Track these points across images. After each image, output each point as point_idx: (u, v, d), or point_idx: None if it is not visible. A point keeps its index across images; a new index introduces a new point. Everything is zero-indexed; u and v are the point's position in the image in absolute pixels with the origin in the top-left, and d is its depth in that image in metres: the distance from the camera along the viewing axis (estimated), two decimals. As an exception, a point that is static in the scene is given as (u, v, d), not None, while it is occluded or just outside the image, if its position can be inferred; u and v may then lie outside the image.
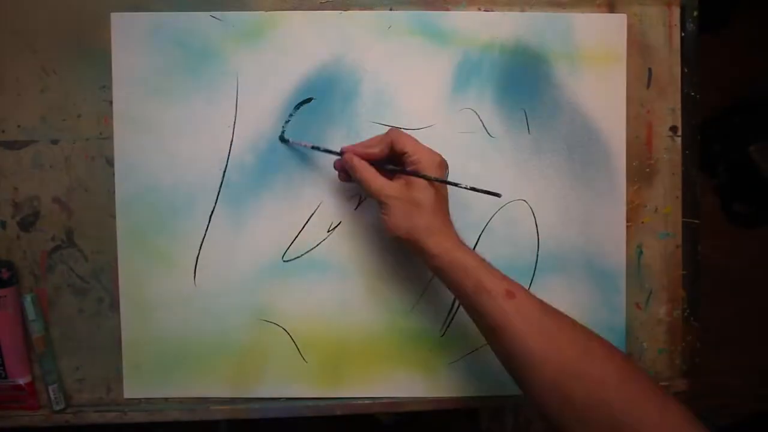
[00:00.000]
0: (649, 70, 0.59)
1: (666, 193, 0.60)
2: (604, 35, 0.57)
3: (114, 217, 0.57)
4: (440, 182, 0.49)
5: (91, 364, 0.58)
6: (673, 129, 0.60)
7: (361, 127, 0.56)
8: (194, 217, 0.56)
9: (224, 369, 0.57)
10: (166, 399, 0.58)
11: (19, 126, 0.56)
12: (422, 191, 0.48)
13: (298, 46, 0.56)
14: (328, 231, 0.57)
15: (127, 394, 0.57)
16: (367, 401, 0.58)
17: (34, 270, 0.57)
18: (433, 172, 0.49)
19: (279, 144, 0.56)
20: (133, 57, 0.55)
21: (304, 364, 0.57)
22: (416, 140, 0.50)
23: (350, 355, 0.57)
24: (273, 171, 0.56)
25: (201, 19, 0.55)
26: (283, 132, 0.56)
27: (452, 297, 0.55)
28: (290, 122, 0.56)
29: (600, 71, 0.58)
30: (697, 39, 0.59)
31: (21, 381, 0.56)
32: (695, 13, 0.59)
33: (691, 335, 0.60)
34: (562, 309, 0.46)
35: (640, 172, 0.59)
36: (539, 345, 0.43)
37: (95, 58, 0.56)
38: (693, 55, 0.59)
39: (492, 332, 0.46)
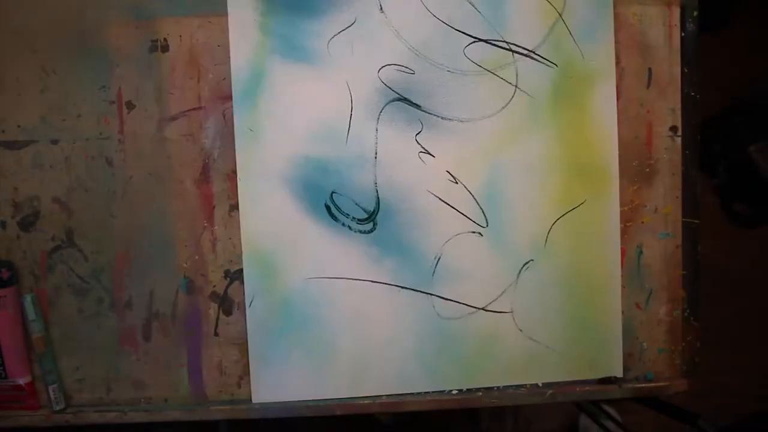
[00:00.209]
0: (649, 70, 0.59)
1: (666, 193, 0.60)
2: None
3: (114, 216, 0.57)
4: None
5: (91, 364, 0.58)
6: (673, 129, 0.60)
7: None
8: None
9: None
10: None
11: (19, 126, 0.56)
12: None
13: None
14: None
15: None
16: (367, 401, 0.58)
17: (34, 270, 0.57)
18: None
19: None
20: None
21: None
22: None
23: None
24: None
25: None
26: None
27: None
28: None
29: None
30: (697, 39, 0.59)
31: (21, 381, 0.57)
32: (695, 13, 0.59)
33: (691, 335, 0.60)
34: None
35: (640, 172, 0.59)
36: None
37: (95, 58, 0.56)
38: (693, 55, 0.59)
39: None
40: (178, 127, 0.57)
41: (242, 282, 0.57)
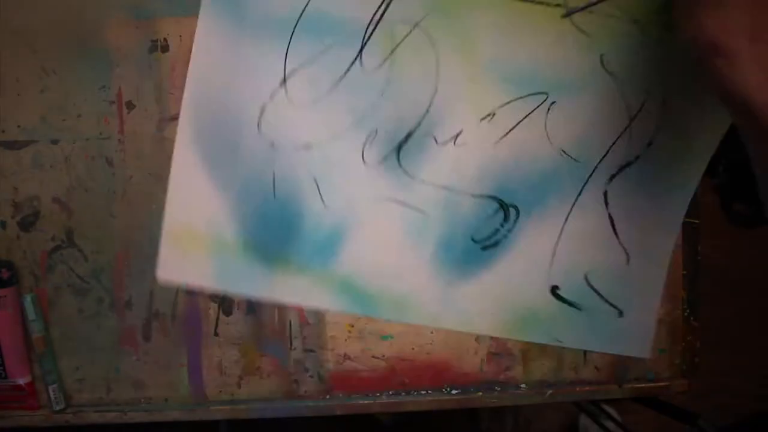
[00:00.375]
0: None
1: (666, 193, 0.60)
2: None
3: (114, 216, 0.57)
4: None
5: (91, 364, 0.58)
6: (673, 129, 0.60)
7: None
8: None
9: None
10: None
11: (19, 126, 0.56)
12: None
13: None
14: None
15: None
16: (367, 401, 0.58)
17: (34, 270, 0.57)
18: None
19: None
20: None
21: None
22: None
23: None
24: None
25: None
26: None
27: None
28: None
29: None
30: (697, 39, 0.58)
31: (21, 381, 0.57)
32: (695, 13, 0.59)
33: (691, 335, 0.60)
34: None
35: (640, 172, 0.59)
36: None
37: (95, 58, 0.56)
38: (693, 55, 0.58)
39: None
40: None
41: (242, 282, 0.57)
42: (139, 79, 0.56)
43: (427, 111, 0.54)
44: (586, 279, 0.56)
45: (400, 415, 1.10)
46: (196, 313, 0.58)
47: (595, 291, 0.56)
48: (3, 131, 0.56)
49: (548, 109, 0.53)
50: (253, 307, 0.59)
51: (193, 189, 0.53)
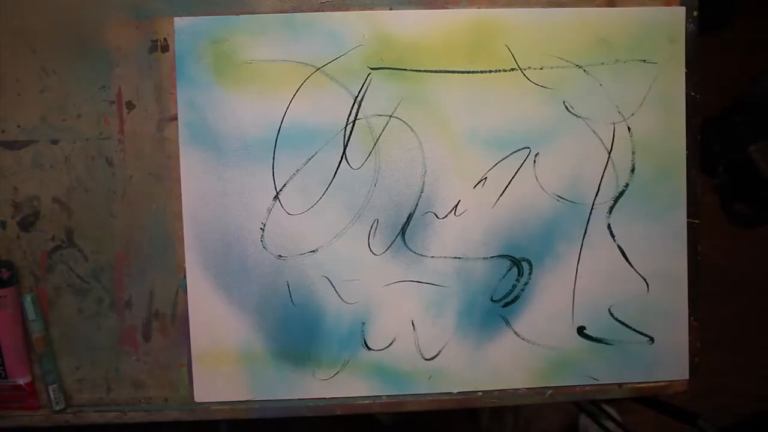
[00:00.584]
0: (649, 70, 0.59)
1: (666, 193, 0.60)
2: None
3: (114, 216, 0.57)
4: None
5: (91, 364, 0.58)
6: (673, 129, 0.60)
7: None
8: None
9: None
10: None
11: (19, 126, 0.56)
12: None
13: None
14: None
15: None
16: (367, 401, 0.58)
17: (34, 270, 0.57)
18: None
19: None
20: None
21: None
22: None
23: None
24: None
25: None
26: None
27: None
28: None
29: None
30: (697, 39, 0.59)
31: (21, 381, 0.57)
32: (695, 13, 0.59)
33: (691, 335, 0.60)
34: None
35: (640, 172, 0.60)
36: None
37: (95, 58, 0.56)
38: (693, 55, 0.59)
39: None
40: (177, 127, 0.57)
41: (242, 282, 0.57)
42: (139, 79, 0.56)
43: (422, 191, 0.57)
44: (611, 313, 0.58)
45: (400, 415, 1.10)
46: (196, 313, 0.58)
47: (622, 323, 0.58)
48: (3, 131, 0.56)
49: (534, 162, 0.57)
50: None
51: (212, 313, 0.57)
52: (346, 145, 0.56)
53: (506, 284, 0.58)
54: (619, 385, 0.59)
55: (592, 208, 0.57)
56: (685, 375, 0.59)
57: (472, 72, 0.56)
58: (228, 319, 0.57)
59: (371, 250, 0.57)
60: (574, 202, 0.57)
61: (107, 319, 0.57)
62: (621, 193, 0.57)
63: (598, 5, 0.57)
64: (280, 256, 0.56)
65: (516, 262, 0.57)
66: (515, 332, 0.58)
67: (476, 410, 1.17)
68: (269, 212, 0.56)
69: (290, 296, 0.57)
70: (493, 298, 0.57)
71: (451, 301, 0.57)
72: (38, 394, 0.58)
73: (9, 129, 0.56)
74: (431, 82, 0.56)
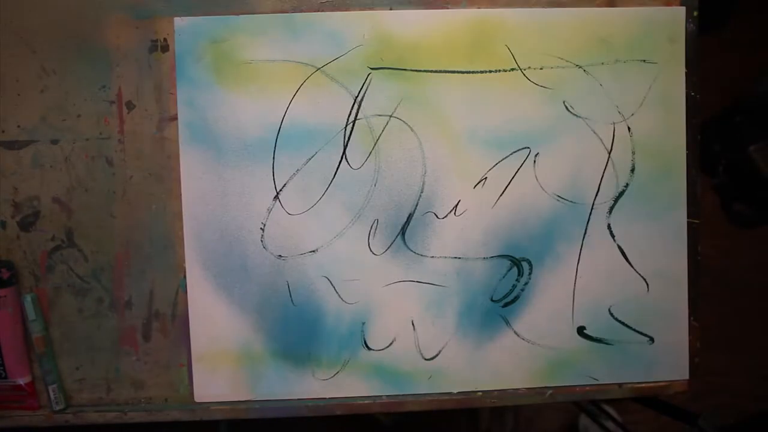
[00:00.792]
0: (649, 70, 0.59)
1: (666, 193, 0.60)
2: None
3: (114, 216, 0.57)
4: None
5: (91, 364, 0.58)
6: (673, 129, 0.60)
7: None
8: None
9: None
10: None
11: (19, 126, 0.56)
12: None
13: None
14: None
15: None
16: (367, 401, 0.58)
17: (34, 270, 0.57)
18: None
19: None
20: None
21: None
22: None
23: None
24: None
25: None
26: None
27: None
28: None
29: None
30: (697, 39, 0.59)
31: (21, 381, 0.57)
32: (695, 13, 0.59)
33: (691, 335, 0.60)
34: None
35: (640, 172, 0.60)
36: None
37: (95, 58, 0.56)
38: (693, 55, 0.59)
39: None
40: (177, 127, 0.57)
41: (242, 282, 0.57)
42: (139, 79, 0.56)
43: (422, 191, 0.57)
44: (610, 313, 0.58)
45: (400, 415, 1.10)
46: (196, 313, 0.58)
47: (622, 323, 0.58)
48: (3, 131, 0.56)
49: (534, 162, 0.57)
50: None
51: (212, 313, 0.57)
52: (346, 145, 0.56)
53: (506, 284, 0.57)
54: (619, 385, 0.59)
55: (592, 208, 0.57)
56: (685, 375, 0.59)
57: (472, 72, 0.56)
58: (228, 319, 0.57)
59: (371, 250, 0.57)
60: (574, 202, 0.57)
61: (107, 319, 0.57)
62: (621, 193, 0.57)
63: (598, 5, 0.57)
64: (280, 256, 0.56)
65: (516, 262, 0.57)
66: (515, 332, 0.58)
67: (476, 410, 1.17)
68: (269, 212, 0.56)
69: (290, 296, 0.57)
70: (493, 298, 0.57)
71: (451, 301, 0.57)
72: (38, 394, 0.58)
73: (9, 129, 0.56)
74: (431, 82, 0.56)
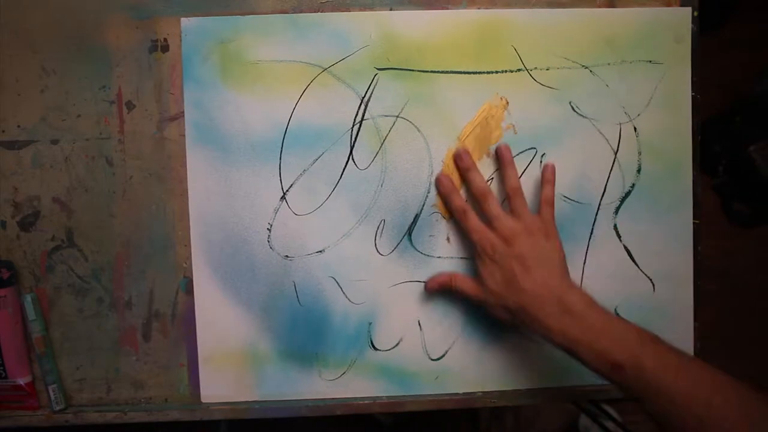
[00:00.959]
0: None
1: (666, 193, 0.60)
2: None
3: (114, 216, 0.57)
4: None
5: (91, 364, 0.58)
6: (674, 129, 0.60)
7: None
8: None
9: None
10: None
11: (19, 126, 0.56)
12: None
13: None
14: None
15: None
16: (367, 401, 0.58)
17: (34, 270, 0.57)
18: None
19: None
20: None
21: None
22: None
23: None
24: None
25: None
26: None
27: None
28: None
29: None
30: (697, 39, 0.59)
31: (21, 381, 0.56)
32: (695, 13, 0.59)
33: (692, 335, 0.60)
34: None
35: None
36: None
37: (95, 58, 0.56)
38: (693, 55, 0.59)
39: None
40: (178, 127, 0.57)
41: (242, 282, 0.57)
42: (139, 79, 0.56)
43: (428, 191, 0.57)
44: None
45: (400, 415, 1.10)
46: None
47: None
48: (3, 131, 0.56)
49: (541, 162, 0.57)
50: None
51: (219, 313, 0.57)
52: (353, 145, 0.56)
53: None
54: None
55: (598, 209, 0.57)
56: (686, 375, 0.58)
57: (479, 72, 0.56)
58: (234, 320, 0.57)
59: (378, 251, 0.57)
60: (581, 203, 0.57)
61: (107, 319, 0.57)
62: (627, 194, 0.57)
63: (599, 6, 0.57)
64: (286, 256, 0.56)
65: None
66: (521, 333, 0.58)
67: (476, 410, 1.17)
68: (276, 212, 0.56)
69: (297, 296, 0.57)
70: None
71: (457, 302, 0.57)
72: (38, 394, 0.58)
73: (9, 129, 0.56)
74: (438, 83, 0.56)
